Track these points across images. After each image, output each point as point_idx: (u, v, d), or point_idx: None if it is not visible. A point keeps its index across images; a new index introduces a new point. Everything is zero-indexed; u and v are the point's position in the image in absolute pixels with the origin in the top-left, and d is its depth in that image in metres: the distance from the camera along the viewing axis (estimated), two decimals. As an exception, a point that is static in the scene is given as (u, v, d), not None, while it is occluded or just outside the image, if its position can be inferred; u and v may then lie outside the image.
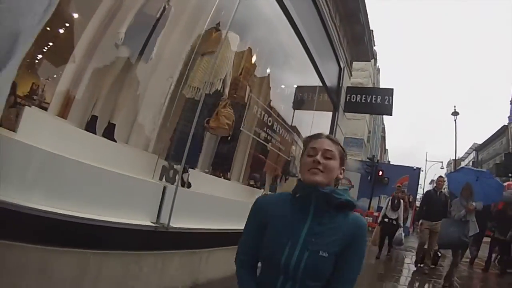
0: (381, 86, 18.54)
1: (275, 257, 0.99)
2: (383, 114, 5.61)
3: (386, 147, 36.81)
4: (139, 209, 2.13)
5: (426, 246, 5.20)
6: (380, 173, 13.20)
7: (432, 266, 5.29)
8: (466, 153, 44.70)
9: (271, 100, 4.59)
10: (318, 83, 5.23)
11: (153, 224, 2.15)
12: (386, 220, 5.96)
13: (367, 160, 14.61)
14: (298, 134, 5.18)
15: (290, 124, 5.01)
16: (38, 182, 1.60)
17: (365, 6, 6.28)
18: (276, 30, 4.30)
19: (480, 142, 38.66)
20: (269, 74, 4.71)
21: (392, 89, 6.57)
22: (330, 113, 6.06)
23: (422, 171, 20.60)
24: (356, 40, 6.68)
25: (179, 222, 2.28)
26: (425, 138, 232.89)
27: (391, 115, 6.63)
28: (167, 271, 2.25)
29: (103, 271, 1.80)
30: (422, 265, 5.29)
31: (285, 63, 5.19)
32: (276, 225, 1.03)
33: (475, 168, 6.93)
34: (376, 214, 10.68)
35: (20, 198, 1.47)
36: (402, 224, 6.04)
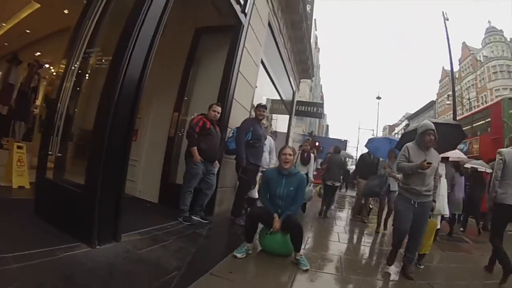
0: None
1: (275, 192, 3.03)
2: (317, 118, 9.79)
3: (327, 123, 42.47)
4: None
5: (363, 202, 5.92)
6: (317, 143, 16.25)
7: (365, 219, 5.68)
8: (399, 120, 50.60)
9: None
10: (278, 97, 9.12)
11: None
12: None
13: (307, 134, 18.36)
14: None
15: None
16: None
17: (311, 50, 10.25)
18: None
19: (412, 112, 45.24)
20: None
21: (322, 103, 11.09)
22: (287, 116, 10.20)
23: (349, 142, 26.23)
24: (304, 72, 10.73)
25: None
26: (361, 110, 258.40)
27: (321, 118, 11.07)
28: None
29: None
30: (359, 216, 5.91)
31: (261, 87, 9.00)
32: (273, 182, 3.06)
33: (382, 137, 9.20)
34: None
35: None
36: (312, 179, 5.78)
